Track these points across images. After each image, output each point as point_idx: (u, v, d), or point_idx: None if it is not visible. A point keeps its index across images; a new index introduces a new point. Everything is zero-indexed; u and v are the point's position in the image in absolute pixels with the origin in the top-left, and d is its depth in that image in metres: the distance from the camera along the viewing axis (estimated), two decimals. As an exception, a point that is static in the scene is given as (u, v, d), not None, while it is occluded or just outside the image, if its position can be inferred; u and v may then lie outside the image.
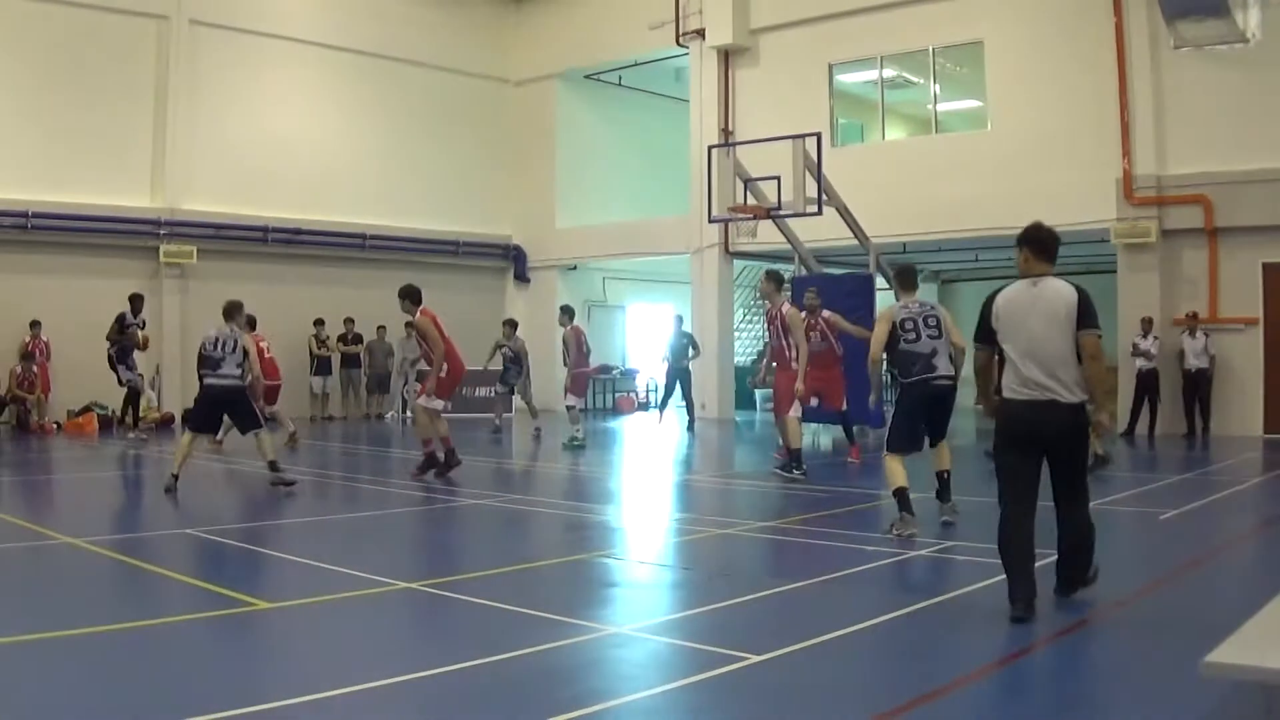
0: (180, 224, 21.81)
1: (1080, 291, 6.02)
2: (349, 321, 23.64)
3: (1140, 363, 18.01)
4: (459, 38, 26.44)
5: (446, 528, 10.17)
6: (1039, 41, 19.69)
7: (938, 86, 21.73)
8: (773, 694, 4.84)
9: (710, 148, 19.20)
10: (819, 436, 18.01)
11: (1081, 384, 5.96)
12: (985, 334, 6.22)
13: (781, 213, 17.25)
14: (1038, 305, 6.01)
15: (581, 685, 4.96)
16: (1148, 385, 18.12)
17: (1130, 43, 18.44)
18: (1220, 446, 16.65)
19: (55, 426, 19.81)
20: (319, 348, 23.33)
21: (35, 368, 19.63)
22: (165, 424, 20.51)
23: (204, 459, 15.29)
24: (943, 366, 8.77)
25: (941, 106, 21.98)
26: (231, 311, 11.98)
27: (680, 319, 21.38)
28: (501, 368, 19.50)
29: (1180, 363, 18.03)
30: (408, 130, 25.49)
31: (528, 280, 27.44)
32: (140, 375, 18.44)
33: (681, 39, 24.11)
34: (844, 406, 14.55)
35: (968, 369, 7.55)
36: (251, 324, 16.50)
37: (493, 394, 20.32)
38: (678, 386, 20.35)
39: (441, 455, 12.63)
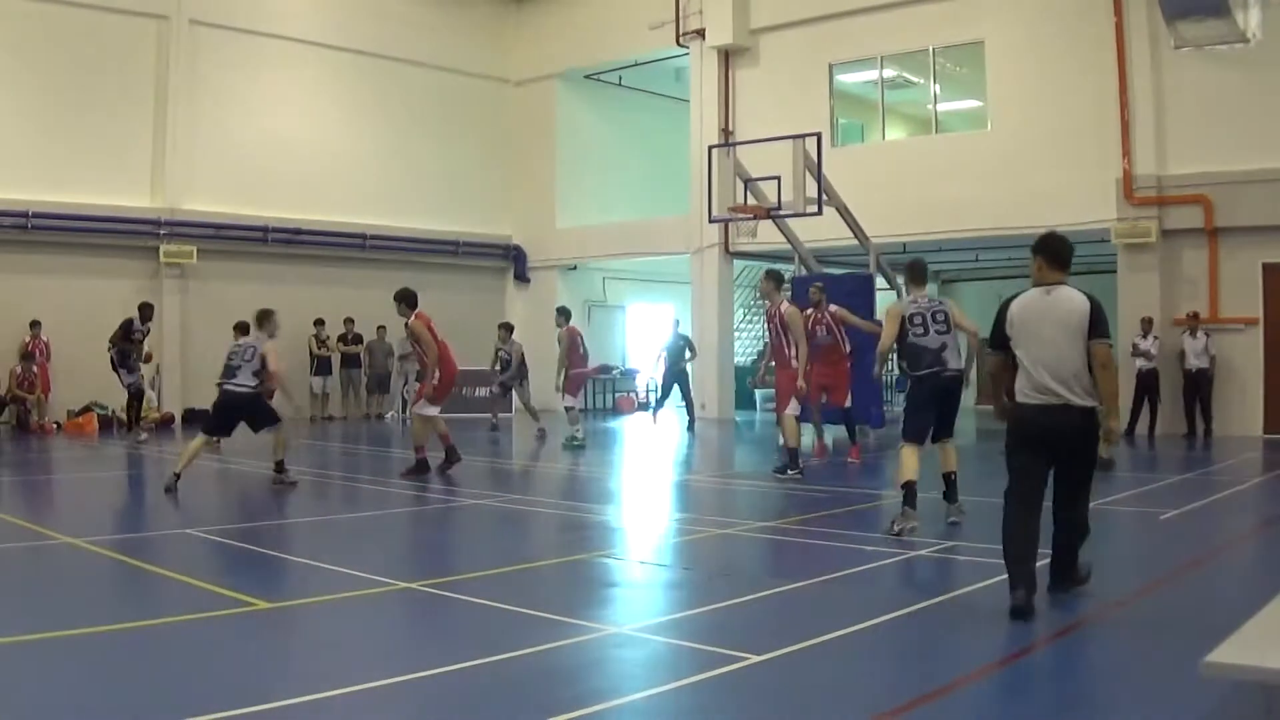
0: (180, 224, 21.81)
1: (1093, 301, 6.13)
2: (349, 321, 23.65)
3: (1140, 363, 18.01)
4: (459, 38, 26.45)
5: (446, 528, 10.17)
6: (1039, 41, 19.69)
7: (938, 86, 21.73)
8: (773, 694, 4.84)
9: (710, 148, 19.21)
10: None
11: (1091, 389, 6.06)
12: (999, 339, 6.32)
13: (781, 213, 17.25)
14: (1051, 313, 6.11)
15: (581, 685, 4.96)
16: (1148, 385, 18.11)
17: (1130, 43, 18.44)
18: (1220, 446, 16.65)
19: (55, 426, 19.82)
20: (319, 348, 23.34)
21: (35, 368, 19.64)
22: (165, 424, 20.53)
23: (204, 459, 15.28)
24: (952, 361, 8.93)
25: (942, 106, 21.98)
26: (261, 319, 12.14)
27: (678, 321, 21.40)
28: (498, 370, 19.56)
29: (1181, 363, 18.03)
30: (408, 130, 25.49)
31: (528, 280, 27.44)
32: (141, 376, 18.43)
33: (682, 39, 24.11)
34: (848, 404, 14.56)
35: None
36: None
37: (490, 394, 20.37)
38: (675, 388, 20.35)
39: (443, 452, 12.72)
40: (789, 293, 16.23)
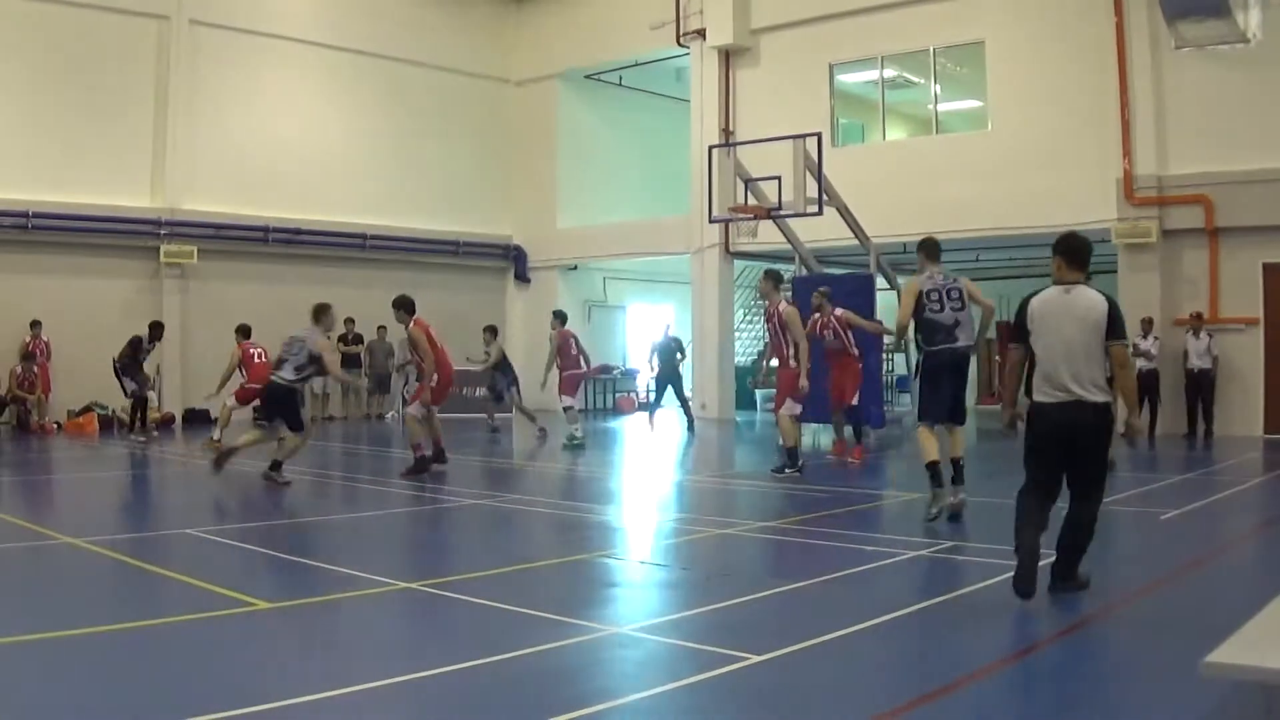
0: (180, 224, 21.81)
1: (1110, 301, 6.32)
2: (349, 322, 23.62)
3: (1140, 363, 17.97)
4: (460, 38, 26.45)
5: (446, 528, 10.17)
6: (1040, 42, 19.69)
7: (938, 87, 21.73)
8: (773, 694, 4.84)
9: (711, 148, 19.22)
10: (819, 436, 18.00)
11: (1105, 387, 6.23)
12: (1020, 333, 6.46)
13: (782, 213, 17.26)
14: (1069, 311, 6.28)
15: (581, 685, 4.96)
16: (1148, 386, 18.09)
17: (1131, 43, 18.44)
18: (1221, 447, 16.65)
19: (55, 426, 19.82)
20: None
21: (36, 368, 19.64)
22: (166, 424, 20.53)
23: (204, 459, 15.29)
24: (963, 338, 9.21)
25: (942, 107, 21.98)
26: (318, 314, 12.36)
27: (668, 325, 21.48)
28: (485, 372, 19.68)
29: (1184, 363, 18.03)
30: (408, 130, 25.49)
31: (528, 280, 27.45)
32: (146, 382, 18.47)
33: (682, 39, 24.11)
34: (855, 400, 14.56)
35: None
36: (246, 332, 16.74)
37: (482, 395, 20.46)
38: (669, 390, 20.44)
39: (429, 453, 12.79)
40: (789, 292, 16.28)
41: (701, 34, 23.70)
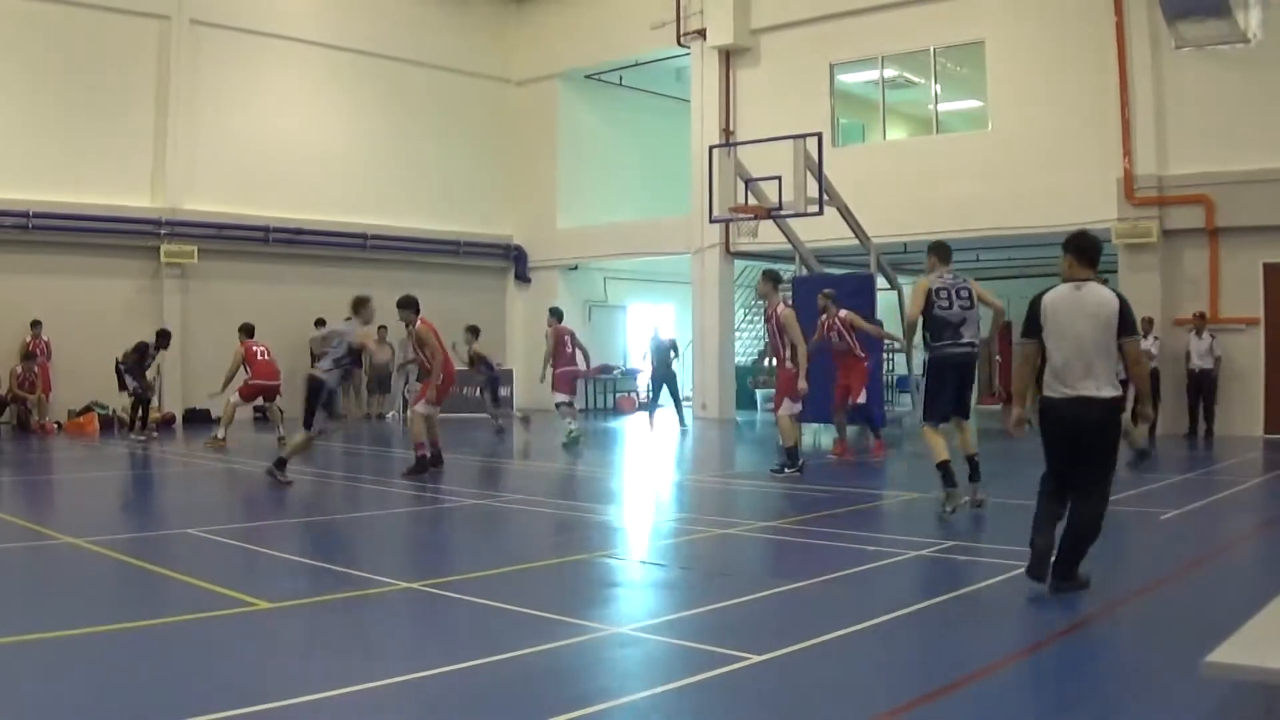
0: (181, 224, 21.81)
1: (1121, 298, 6.47)
2: (349, 321, 23.59)
3: (1142, 362, 17.98)
4: (460, 38, 26.45)
5: (446, 528, 10.17)
6: (1040, 42, 19.69)
7: (939, 86, 21.72)
8: (773, 694, 4.84)
9: (711, 148, 19.22)
10: (819, 436, 18.00)
11: (1114, 382, 6.38)
12: (1034, 328, 6.58)
13: (782, 213, 17.26)
14: (1081, 308, 6.40)
15: (582, 685, 4.96)
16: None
17: (1131, 43, 18.44)
18: (1221, 447, 16.64)
19: (56, 426, 19.82)
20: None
21: (36, 367, 19.64)
22: (166, 424, 20.53)
23: (206, 459, 15.31)
24: (968, 335, 9.41)
25: (942, 106, 21.97)
26: (357, 306, 12.48)
27: (657, 329, 21.60)
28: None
29: (1186, 362, 18.02)
30: (409, 130, 25.50)
31: (529, 280, 27.45)
32: (148, 384, 18.52)
33: (682, 39, 24.11)
34: (863, 399, 14.64)
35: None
36: (249, 331, 16.80)
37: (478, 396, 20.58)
38: (664, 390, 20.58)
39: (428, 454, 12.86)
40: (788, 293, 16.29)
41: (702, 34, 23.70)
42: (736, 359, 25.70)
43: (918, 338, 9.76)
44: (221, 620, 6.06)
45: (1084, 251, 6.54)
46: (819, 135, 17.31)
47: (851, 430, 15.84)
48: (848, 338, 14.33)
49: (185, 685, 4.85)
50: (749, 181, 17.37)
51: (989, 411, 26.19)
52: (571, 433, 16.55)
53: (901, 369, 23.41)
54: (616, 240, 25.74)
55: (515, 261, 27.45)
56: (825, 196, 17.39)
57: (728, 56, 23.59)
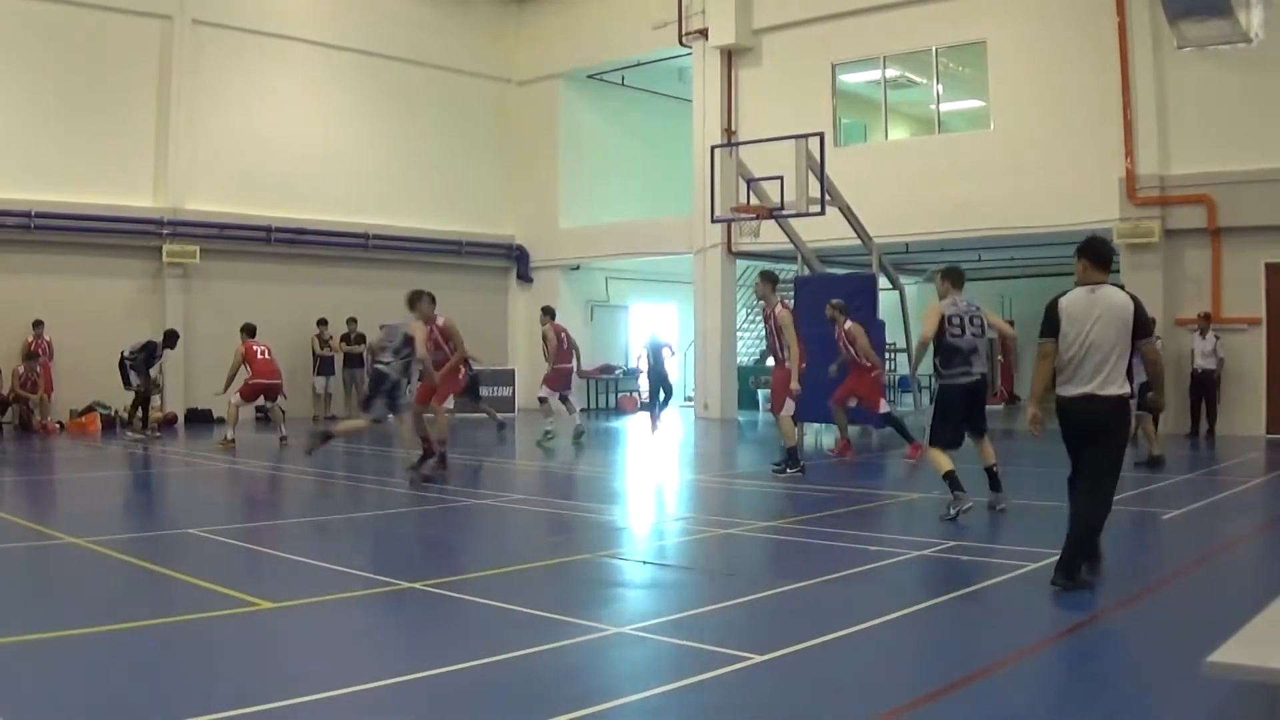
0: (183, 224, 21.82)
1: (1135, 301, 6.70)
2: (352, 321, 23.64)
3: (1142, 363, 17.95)
4: (462, 37, 26.46)
5: (448, 527, 10.17)
6: (1042, 42, 19.68)
7: (940, 86, 21.71)
8: (775, 694, 4.84)
9: (713, 148, 19.19)
10: (820, 436, 18.01)
11: (1124, 380, 6.59)
12: (1052, 328, 6.77)
13: (784, 213, 17.24)
14: (1096, 310, 6.61)
15: (582, 685, 4.95)
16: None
17: (1133, 43, 18.42)
18: (1223, 447, 16.63)
19: (58, 426, 19.82)
20: (322, 348, 23.35)
21: (38, 367, 19.64)
22: (168, 423, 20.54)
23: (208, 458, 15.33)
24: (978, 365, 9.47)
25: (944, 106, 21.96)
26: (412, 300, 12.57)
27: (654, 334, 21.85)
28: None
29: (1190, 362, 18.00)
30: (411, 130, 25.50)
31: (531, 280, 27.45)
32: (153, 382, 18.58)
33: (684, 39, 24.10)
34: (884, 409, 14.75)
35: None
36: (250, 331, 16.85)
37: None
38: (660, 387, 20.78)
39: (430, 450, 12.93)
40: (789, 293, 16.28)
41: (704, 34, 23.69)
42: (738, 359, 25.70)
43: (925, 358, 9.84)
44: (223, 620, 6.06)
45: (1098, 256, 6.76)
46: (821, 135, 17.30)
47: (852, 430, 15.85)
48: (851, 350, 14.44)
49: (187, 685, 4.85)
50: (751, 181, 17.36)
51: (990, 411, 26.20)
52: (549, 434, 16.72)
53: (903, 369, 23.41)
54: (618, 240, 25.74)
55: (517, 261, 27.45)
56: (827, 196, 17.37)
57: (729, 56, 23.59)
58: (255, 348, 16.78)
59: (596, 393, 27.49)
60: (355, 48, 24.47)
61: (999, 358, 28.08)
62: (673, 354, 21.87)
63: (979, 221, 19.90)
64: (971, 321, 9.47)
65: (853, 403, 14.92)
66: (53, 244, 20.39)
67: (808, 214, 17.14)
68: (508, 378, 24.90)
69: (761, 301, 13.32)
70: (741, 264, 25.07)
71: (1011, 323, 27.85)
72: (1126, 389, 6.62)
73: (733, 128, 23.28)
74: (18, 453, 16.52)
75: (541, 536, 9.49)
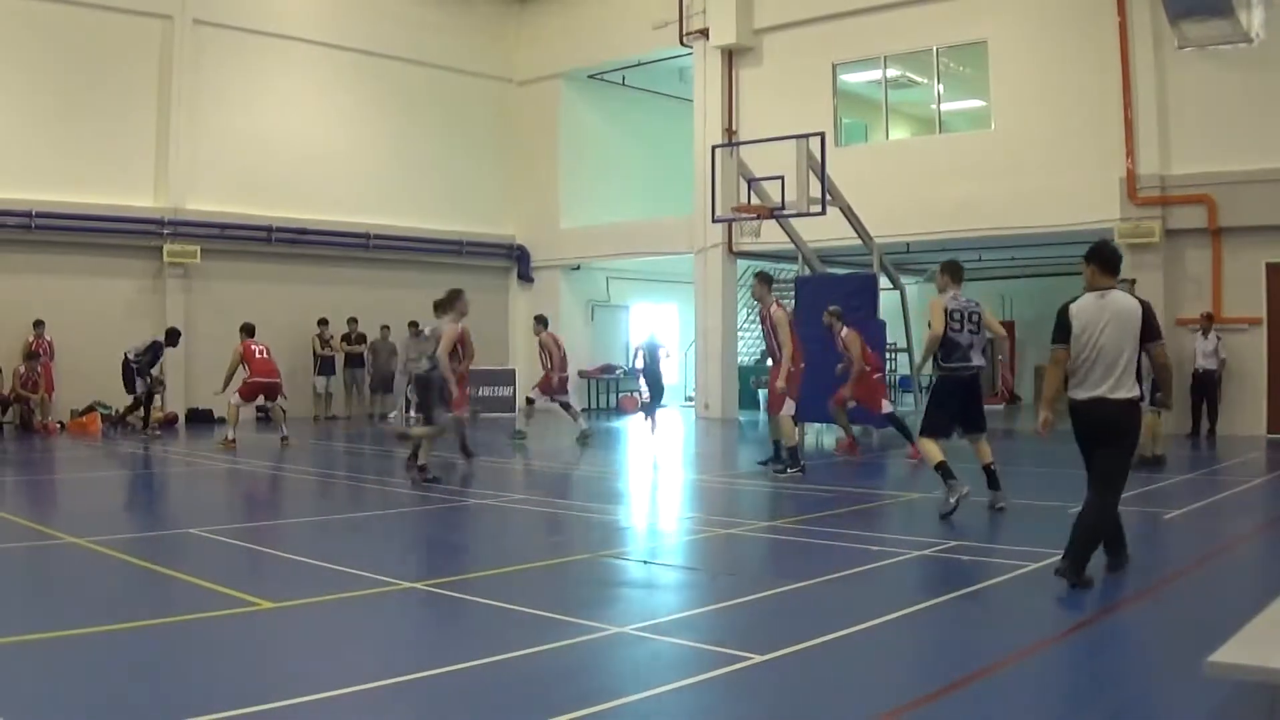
0: (184, 224, 21.82)
1: (1144, 304, 6.89)
2: (353, 321, 23.66)
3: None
4: (463, 37, 26.45)
5: (449, 527, 10.17)
6: (1043, 41, 19.67)
7: (941, 86, 21.70)
8: (776, 694, 4.84)
9: (714, 147, 19.17)
10: (821, 436, 18.00)
11: (1134, 383, 6.75)
12: (1063, 335, 6.93)
13: (785, 212, 17.22)
14: (1105, 314, 6.78)
15: (583, 685, 4.95)
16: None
17: (1134, 42, 18.42)
18: (1224, 446, 16.62)
19: (59, 426, 19.83)
20: (323, 348, 23.35)
21: (39, 367, 19.64)
22: (169, 423, 20.54)
23: (209, 458, 15.33)
24: (975, 359, 9.64)
25: (945, 106, 21.96)
26: (449, 300, 12.71)
27: (652, 334, 22.10)
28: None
29: (1193, 361, 17.98)
30: (412, 130, 25.50)
31: (532, 280, 27.46)
32: (154, 381, 18.64)
33: (685, 39, 24.10)
34: (885, 409, 14.85)
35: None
36: (249, 331, 16.88)
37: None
38: (657, 386, 20.92)
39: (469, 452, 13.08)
40: (790, 294, 16.28)
41: (704, 34, 23.68)
42: (739, 359, 25.70)
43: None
44: (224, 620, 6.06)
45: (1106, 261, 6.92)
46: (821, 135, 17.28)
47: (854, 430, 15.88)
48: (847, 354, 14.55)
49: (187, 685, 4.85)
50: (751, 181, 17.34)
51: (991, 411, 26.20)
52: (520, 434, 17.19)
53: (904, 368, 23.39)
54: (619, 240, 25.74)
55: (518, 261, 27.45)
56: (828, 196, 17.35)
57: (730, 56, 23.58)
58: (253, 347, 16.79)
59: (597, 393, 27.49)
60: (356, 47, 24.47)
61: (1000, 357, 28.12)
62: (667, 356, 21.92)
63: (980, 221, 19.89)
64: (970, 318, 9.63)
65: (851, 403, 15.00)
66: (53, 244, 20.39)
67: (808, 214, 17.12)
68: (508, 378, 24.92)
69: (758, 303, 13.41)
70: (742, 264, 25.05)
71: (1011, 324, 28.05)
72: (1137, 391, 6.76)
73: (733, 127, 23.28)
74: (18, 452, 16.52)
75: (542, 536, 9.49)
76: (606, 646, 5.60)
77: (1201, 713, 4.47)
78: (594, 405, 27.01)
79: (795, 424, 13.00)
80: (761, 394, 25.19)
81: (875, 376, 14.86)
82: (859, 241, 18.81)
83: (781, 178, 16.83)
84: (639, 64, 26.21)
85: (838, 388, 14.86)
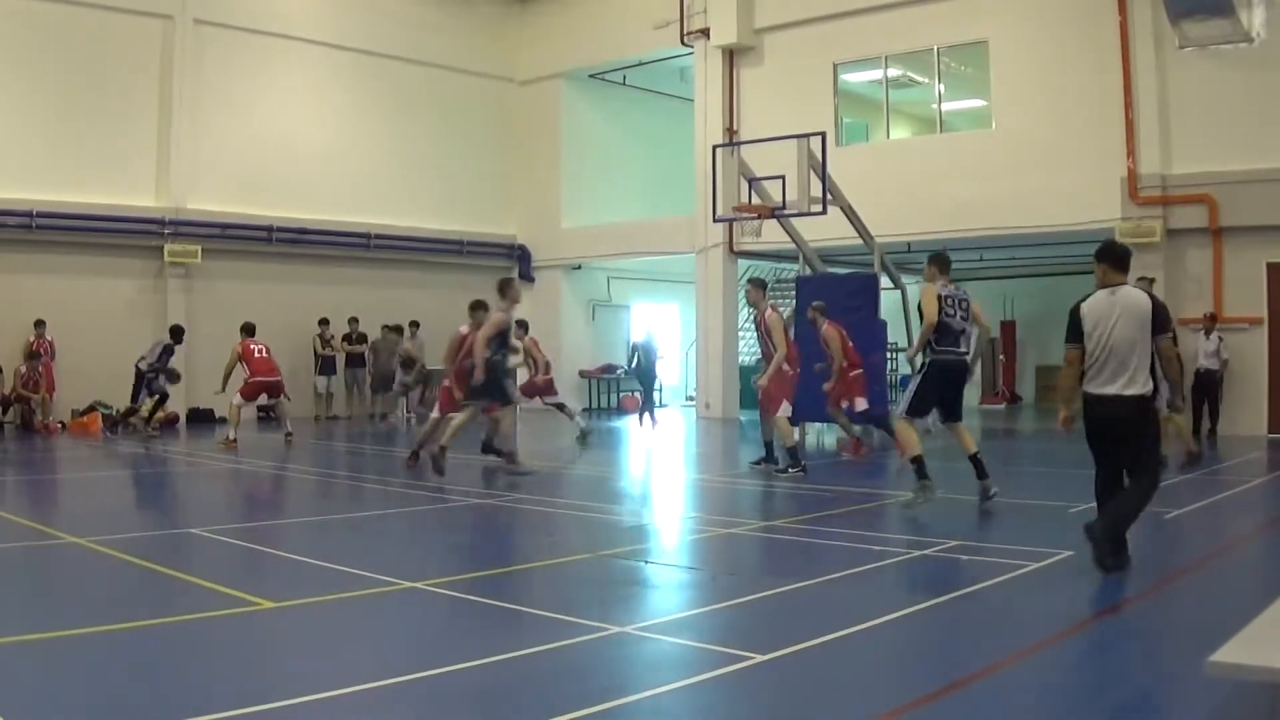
0: (185, 223, 21.83)
1: (1154, 299, 7.07)
2: (353, 321, 23.66)
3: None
4: (464, 37, 26.46)
5: (450, 527, 10.16)
6: (1044, 41, 19.68)
7: (942, 86, 21.71)
8: (777, 694, 4.84)
9: (715, 147, 19.17)
10: (822, 436, 17.99)
11: (1147, 379, 6.90)
12: (1075, 334, 7.13)
13: (786, 212, 17.22)
14: (1116, 310, 6.96)
15: (584, 685, 4.95)
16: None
17: (1135, 42, 18.42)
18: (1225, 446, 16.61)
19: (60, 426, 19.83)
20: (323, 347, 23.36)
21: (40, 367, 19.65)
22: (170, 423, 20.54)
23: (210, 458, 15.33)
24: (963, 346, 9.89)
25: (946, 106, 21.96)
26: (500, 288, 12.92)
27: (650, 331, 22.27)
28: (398, 369, 19.99)
29: (1191, 362, 17.97)
30: (412, 130, 25.50)
31: (533, 280, 27.43)
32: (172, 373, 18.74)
33: (686, 38, 24.11)
34: (862, 406, 14.88)
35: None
36: (249, 330, 16.91)
37: (389, 393, 20.89)
38: (653, 385, 20.98)
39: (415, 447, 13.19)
40: (790, 295, 16.28)
41: (705, 33, 23.69)
42: (740, 359, 25.69)
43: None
44: (224, 620, 6.06)
45: (1117, 259, 7.16)
46: (822, 134, 17.28)
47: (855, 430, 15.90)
48: (828, 350, 14.61)
49: (187, 685, 4.85)
50: (752, 181, 17.34)
51: (992, 411, 26.19)
52: (584, 432, 17.30)
53: (905, 369, 23.37)
54: (620, 240, 25.74)
55: (519, 261, 27.44)
56: (829, 196, 17.35)
57: (731, 56, 23.59)
58: (252, 347, 16.81)
59: (598, 392, 27.49)
60: (357, 47, 24.47)
61: (1000, 356, 28.11)
62: (661, 357, 21.98)
63: (980, 221, 19.90)
64: (960, 305, 9.84)
65: (845, 404, 15.03)
66: (54, 244, 20.40)
67: (809, 213, 17.12)
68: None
69: (753, 308, 13.58)
70: (743, 263, 25.06)
71: (1012, 324, 28.00)
72: (1150, 388, 6.90)
73: (734, 127, 23.28)
74: (19, 452, 16.53)
75: (543, 536, 9.49)
76: (607, 646, 5.60)
77: (1202, 713, 4.47)
78: (595, 405, 27.02)
79: (795, 424, 13.07)
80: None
81: (853, 374, 14.82)
82: (860, 241, 18.81)
83: (782, 177, 16.83)
84: (640, 64, 26.22)
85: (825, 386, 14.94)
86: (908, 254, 22.13)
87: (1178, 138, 18.26)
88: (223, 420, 18.96)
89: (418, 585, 6.90)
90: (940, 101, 21.74)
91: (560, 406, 17.84)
